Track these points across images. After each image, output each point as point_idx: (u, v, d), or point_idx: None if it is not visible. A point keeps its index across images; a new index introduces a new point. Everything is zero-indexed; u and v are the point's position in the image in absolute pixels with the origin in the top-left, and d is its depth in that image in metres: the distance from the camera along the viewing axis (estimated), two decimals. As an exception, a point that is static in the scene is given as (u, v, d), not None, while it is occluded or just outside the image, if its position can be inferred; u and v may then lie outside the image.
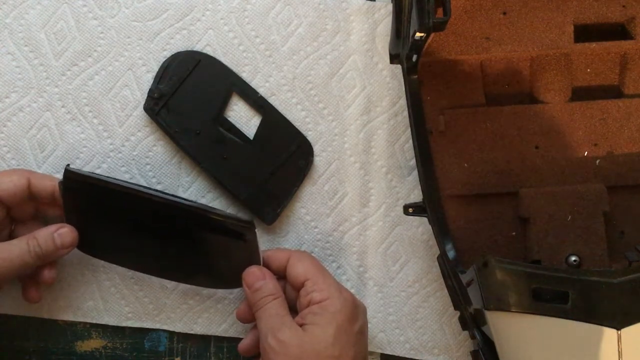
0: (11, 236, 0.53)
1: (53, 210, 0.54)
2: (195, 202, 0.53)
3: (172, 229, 0.53)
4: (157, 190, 0.53)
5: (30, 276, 0.53)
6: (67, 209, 0.52)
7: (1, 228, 0.52)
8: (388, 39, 0.58)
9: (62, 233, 0.51)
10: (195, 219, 0.52)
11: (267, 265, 0.54)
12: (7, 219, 0.52)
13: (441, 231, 0.52)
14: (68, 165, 0.51)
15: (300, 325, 0.49)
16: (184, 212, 0.52)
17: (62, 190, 0.51)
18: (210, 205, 0.57)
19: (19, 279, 0.54)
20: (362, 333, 0.51)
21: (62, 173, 0.51)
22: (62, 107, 0.57)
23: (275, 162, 0.57)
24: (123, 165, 0.58)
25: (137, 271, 0.56)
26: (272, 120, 0.58)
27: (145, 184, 0.57)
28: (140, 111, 0.57)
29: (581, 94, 0.56)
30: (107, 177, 0.52)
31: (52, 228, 0.51)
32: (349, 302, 0.51)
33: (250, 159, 0.57)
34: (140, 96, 0.58)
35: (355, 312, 0.51)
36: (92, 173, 0.53)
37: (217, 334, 0.58)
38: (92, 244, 0.54)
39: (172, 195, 0.53)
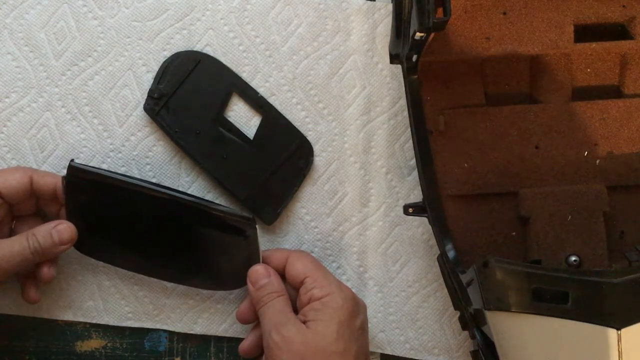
0: (11, 233, 0.53)
1: (53, 207, 0.54)
2: (198, 198, 0.53)
3: (173, 226, 0.53)
4: (160, 185, 0.53)
5: (29, 276, 0.54)
6: (69, 205, 0.52)
7: (2, 225, 0.52)
8: (388, 39, 0.58)
9: (61, 229, 0.51)
10: (198, 215, 0.52)
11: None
12: (9, 216, 0.53)
13: (441, 231, 0.52)
14: (72, 160, 0.51)
15: (303, 323, 0.50)
16: (187, 208, 0.52)
17: (64, 185, 0.51)
18: (210, 205, 0.57)
19: (18, 279, 0.54)
20: (363, 329, 0.51)
21: (62, 173, 0.51)
22: (62, 107, 0.57)
23: (275, 162, 0.57)
24: (123, 165, 0.58)
25: (137, 272, 0.56)
26: (272, 120, 0.58)
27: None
28: (140, 111, 0.57)
29: (581, 94, 0.56)
30: (112, 172, 0.53)
31: (50, 224, 0.51)
32: (349, 298, 0.51)
33: (250, 159, 0.57)
34: (140, 96, 0.58)
35: (356, 307, 0.51)
36: (97, 168, 0.53)
37: (217, 334, 0.58)
38: (91, 244, 0.54)
39: (176, 190, 0.53)
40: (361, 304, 0.52)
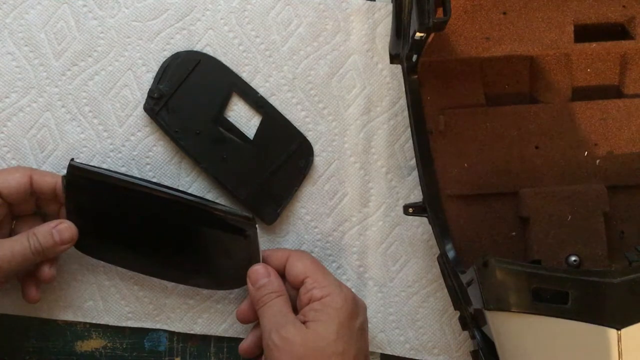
0: (11, 233, 0.53)
1: (53, 207, 0.54)
2: (198, 197, 0.53)
3: (174, 226, 0.53)
4: (160, 185, 0.53)
5: (29, 275, 0.54)
6: (69, 204, 0.52)
7: (2, 225, 0.52)
8: (388, 39, 0.58)
9: (61, 229, 0.51)
10: (198, 214, 0.52)
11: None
12: (9, 216, 0.53)
13: (441, 231, 0.52)
14: (72, 159, 0.51)
15: (303, 323, 0.50)
16: (187, 207, 0.52)
17: (64, 185, 0.51)
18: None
19: (19, 279, 0.54)
20: (362, 329, 0.51)
21: (62, 173, 0.51)
22: (62, 107, 0.57)
23: (275, 162, 0.57)
24: (123, 165, 0.58)
25: (137, 272, 0.56)
26: (272, 120, 0.58)
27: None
28: (140, 111, 0.57)
29: (581, 94, 0.56)
30: (112, 171, 0.53)
31: (51, 224, 0.51)
32: (349, 298, 0.51)
33: (250, 159, 0.57)
34: (140, 96, 0.58)
35: (356, 308, 0.51)
36: (97, 167, 0.53)
37: (217, 334, 0.58)
38: (91, 243, 0.54)
39: (176, 190, 0.53)
40: (361, 305, 0.52)
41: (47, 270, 0.53)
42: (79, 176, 0.51)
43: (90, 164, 0.57)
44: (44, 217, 0.55)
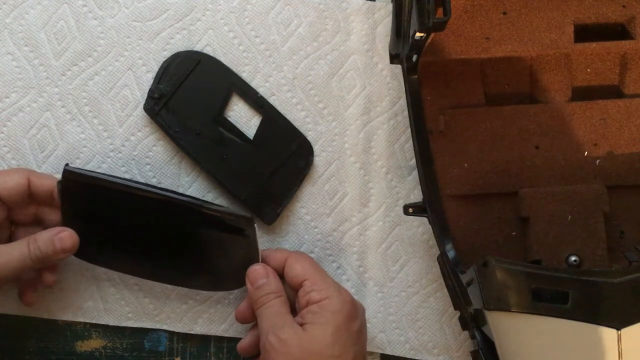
0: (10, 239, 0.53)
1: (53, 215, 0.53)
2: (195, 198, 0.53)
3: (171, 228, 0.53)
4: (156, 187, 0.53)
5: (27, 279, 0.53)
6: (65, 210, 0.51)
7: (1, 229, 0.52)
8: (388, 39, 0.58)
9: (63, 237, 0.50)
10: (195, 215, 0.52)
11: (265, 265, 0.54)
12: (7, 221, 0.52)
13: (441, 231, 0.52)
14: (67, 164, 0.51)
15: (300, 325, 0.49)
16: (184, 209, 0.52)
17: (60, 190, 0.51)
18: (210, 205, 0.57)
19: (17, 282, 0.54)
20: (360, 332, 0.51)
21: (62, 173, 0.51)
22: (62, 107, 0.57)
23: (275, 162, 0.57)
24: (123, 165, 0.58)
25: (136, 276, 0.56)
26: (272, 120, 0.58)
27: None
28: (140, 111, 0.57)
29: (581, 94, 0.56)
30: (108, 175, 0.52)
31: (53, 231, 0.51)
32: (347, 301, 0.51)
33: (250, 159, 0.57)
34: (140, 96, 0.58)
35: (354, 311, 0.51)
36: (92, 172, 0.53)
37: (217, 334, 0.58)
38: (89, 249, 0.53)
39: (173, 192, 0.53)
40: (359, 307, 0.52)
41: (48, 276, 0.53)
42: (74, 181, 0.51)
43: (90, 164, 0.57)
44: (44, 224, 0.54)
